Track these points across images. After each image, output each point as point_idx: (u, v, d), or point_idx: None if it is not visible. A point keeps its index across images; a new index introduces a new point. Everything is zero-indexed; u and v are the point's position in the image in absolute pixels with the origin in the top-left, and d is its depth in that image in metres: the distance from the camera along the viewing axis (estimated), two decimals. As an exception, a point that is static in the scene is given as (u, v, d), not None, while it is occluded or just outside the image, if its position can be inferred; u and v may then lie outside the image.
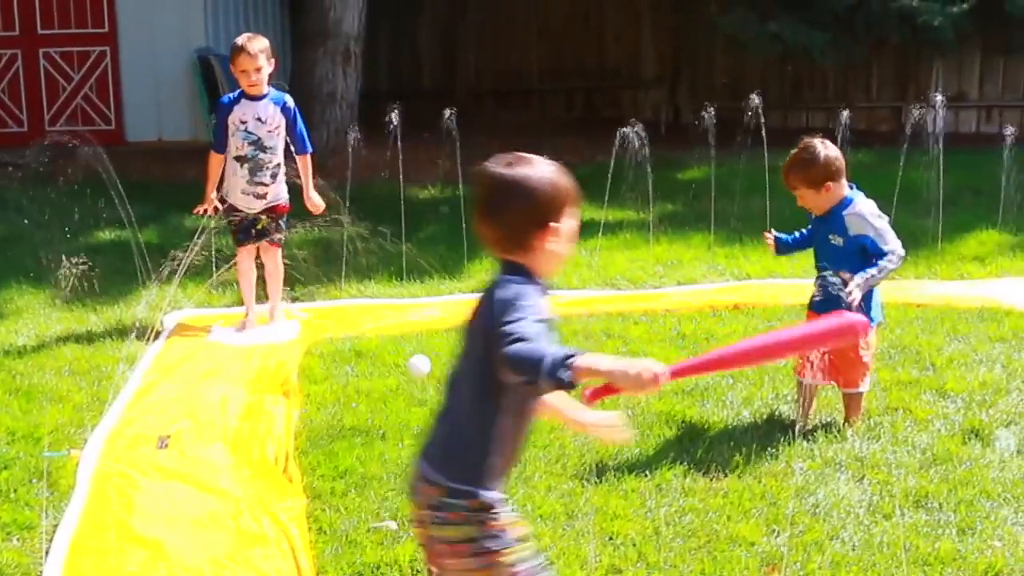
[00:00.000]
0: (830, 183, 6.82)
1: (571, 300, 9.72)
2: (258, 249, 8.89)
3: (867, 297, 6.79)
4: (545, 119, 19.18)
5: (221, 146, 8.74)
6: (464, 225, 10.98)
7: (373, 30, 17.47)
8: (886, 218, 6.89)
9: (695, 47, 20.36)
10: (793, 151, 6.95)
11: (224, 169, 8.76)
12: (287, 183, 8.91)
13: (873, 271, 6.66)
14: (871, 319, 6.84)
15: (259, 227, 8.80)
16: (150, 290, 9.52)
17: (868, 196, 6.97)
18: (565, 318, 9.01)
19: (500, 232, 3.94)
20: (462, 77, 20.62)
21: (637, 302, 9.63)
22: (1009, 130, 12.29)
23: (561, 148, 11.71)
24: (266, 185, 8.71)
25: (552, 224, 3.88)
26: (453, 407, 3.97)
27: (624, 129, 10.83)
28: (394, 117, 10.54)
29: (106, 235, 11.44)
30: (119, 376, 7.78)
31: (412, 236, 11.14)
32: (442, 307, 9.59)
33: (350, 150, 11.00)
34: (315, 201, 8.86)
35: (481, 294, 3.90)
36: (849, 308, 6.53)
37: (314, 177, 8.95)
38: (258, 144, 8.61)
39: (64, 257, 8.07)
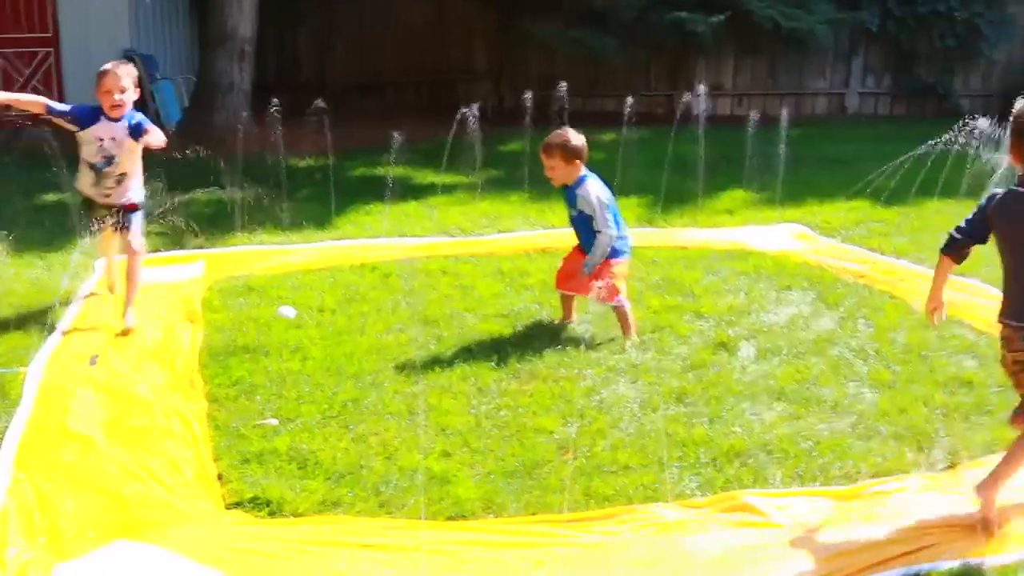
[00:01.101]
0: (578, 160, 6.95)
1: (414, 246, 9.62)
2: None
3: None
4: (398, 107, 19.04)
5: (54, 110, 7.36)
6: (332, 187, 10.88)
7: (263, 35, 17.22)
8: (608, 203, 6.99)
9: (516, 49, 20.29)
10: (553, 133, 7.01)
11: (80, 162, 7.52)
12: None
13: (594, 256, 6.90)
14: (622, 253, 6.98)
15: (115, 221, 7.60)
16: (84, 239, 9.32)
17: (606, 181, 7.14)
18: (410, 259, 9.01)
19: None
20: (332, 73, 20.36)
21: (467, 247, 9.59)
22: (754, 113, 12.48)
23: (409, 128, 11.64)
24: (111, 188, 7.49)
25: None
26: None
27: (463, 110, 10.78)
28: (277, 106, 10.38)
29: (52, 196, 11.10)
30: (59, 307, 7.61)
31: (292, 196, 10.98)
32: (316, 251, 9.45)
33: (239, 128, 10.84)
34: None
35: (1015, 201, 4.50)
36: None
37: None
38: (110, 160, 7.38)
39: (16, 213, 7.83)
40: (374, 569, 4.31)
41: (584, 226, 6.99)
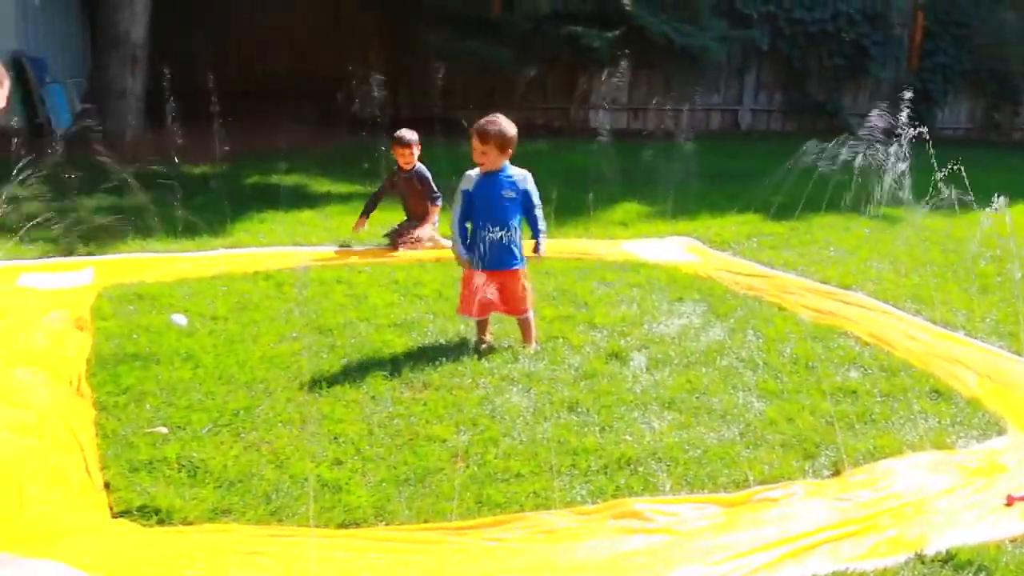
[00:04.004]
0: (510, 149, 7.01)
1: (313, 254, 9.58)
2: None
3: (516, 247, 7.00)
4: (294, 114, 18.88)
5: None
6: (226, 195, 10.76)
7: (157, 39, 16.97)
8: None
9: (412, 58, 20.23)
10: (490, 119, 7.01)
11: None
12: None
13: (543, 232, 7.11)
14: (521, 262, 7.07)
15: None
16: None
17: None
18: (304, 268, 8.96)
19: None
20: (227, 79, 20.09)
21: (364, 256, 9.58)
22: (648, 127, 12.67)
23: (305, 136, 11.56)
24: None
25: None
26: None
27: (359, 118, 10.73)
28: (170, 111, 10.23)
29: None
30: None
31: (185, 203, 10.80)
32: (209, 259, 9.33)
33: (127, 134, 10.66)
34: None
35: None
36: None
37: None
38: None
39: None
40: (264, 577, 4.29)
41: (518, 207, 7.07)
